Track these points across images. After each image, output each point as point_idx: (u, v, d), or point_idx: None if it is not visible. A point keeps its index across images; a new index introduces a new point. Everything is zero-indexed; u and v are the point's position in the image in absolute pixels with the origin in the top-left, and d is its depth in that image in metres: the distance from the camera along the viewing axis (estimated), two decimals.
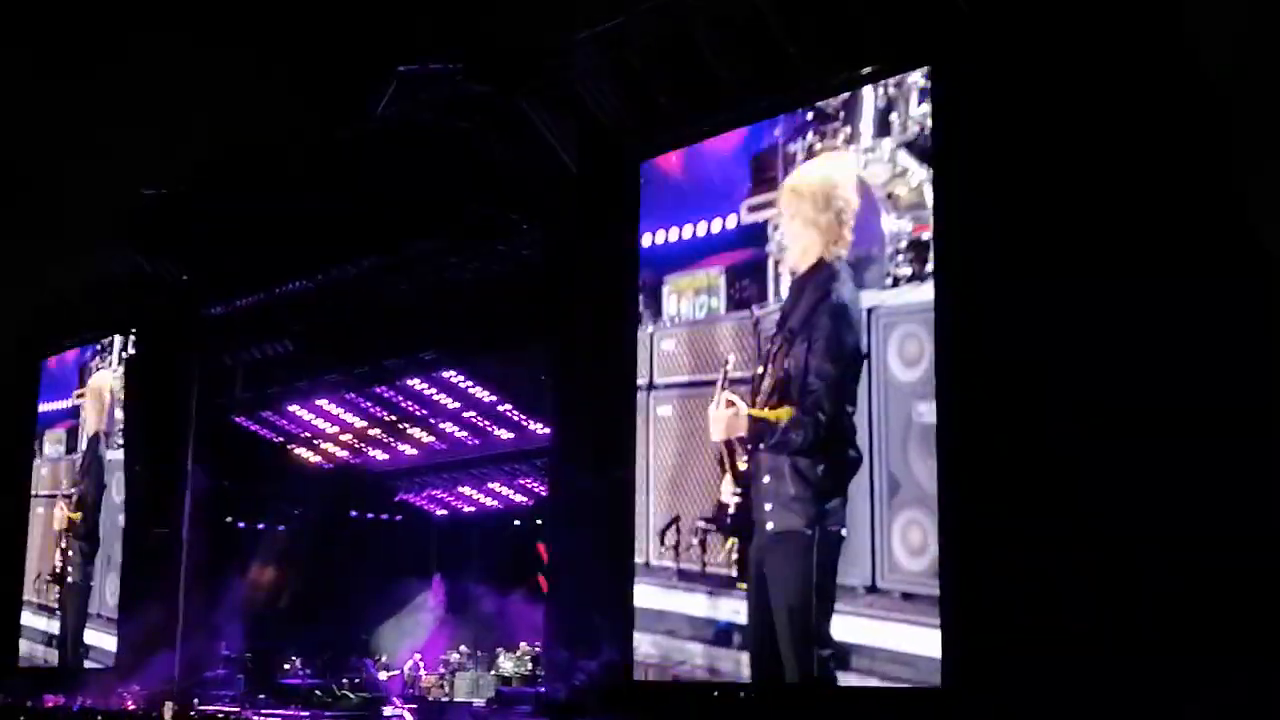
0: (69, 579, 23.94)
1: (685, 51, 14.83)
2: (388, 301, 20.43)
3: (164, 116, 18.32)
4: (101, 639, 22.83)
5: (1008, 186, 12.24)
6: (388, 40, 16.03)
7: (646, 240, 15.46)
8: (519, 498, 25.67)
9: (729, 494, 14.07)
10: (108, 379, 23.88)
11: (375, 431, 24.36)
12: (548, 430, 19.49)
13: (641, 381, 15.30)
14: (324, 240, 19.64)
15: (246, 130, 18.16)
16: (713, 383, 14.32)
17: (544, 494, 23.01)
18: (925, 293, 12.56)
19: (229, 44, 16.70)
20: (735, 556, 13.96)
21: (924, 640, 12.11)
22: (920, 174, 12.79)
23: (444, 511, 27.38)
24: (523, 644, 22.25)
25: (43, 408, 25.63)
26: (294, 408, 23.94)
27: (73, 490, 24.28)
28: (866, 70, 13.58)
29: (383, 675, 22.54)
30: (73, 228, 21.54)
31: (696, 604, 14.34)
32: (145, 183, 20.28)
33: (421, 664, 22.97)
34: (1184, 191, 11.49)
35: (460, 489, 26.30)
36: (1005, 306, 12.09)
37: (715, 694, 14.12)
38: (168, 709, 18.72)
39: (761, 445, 13.69)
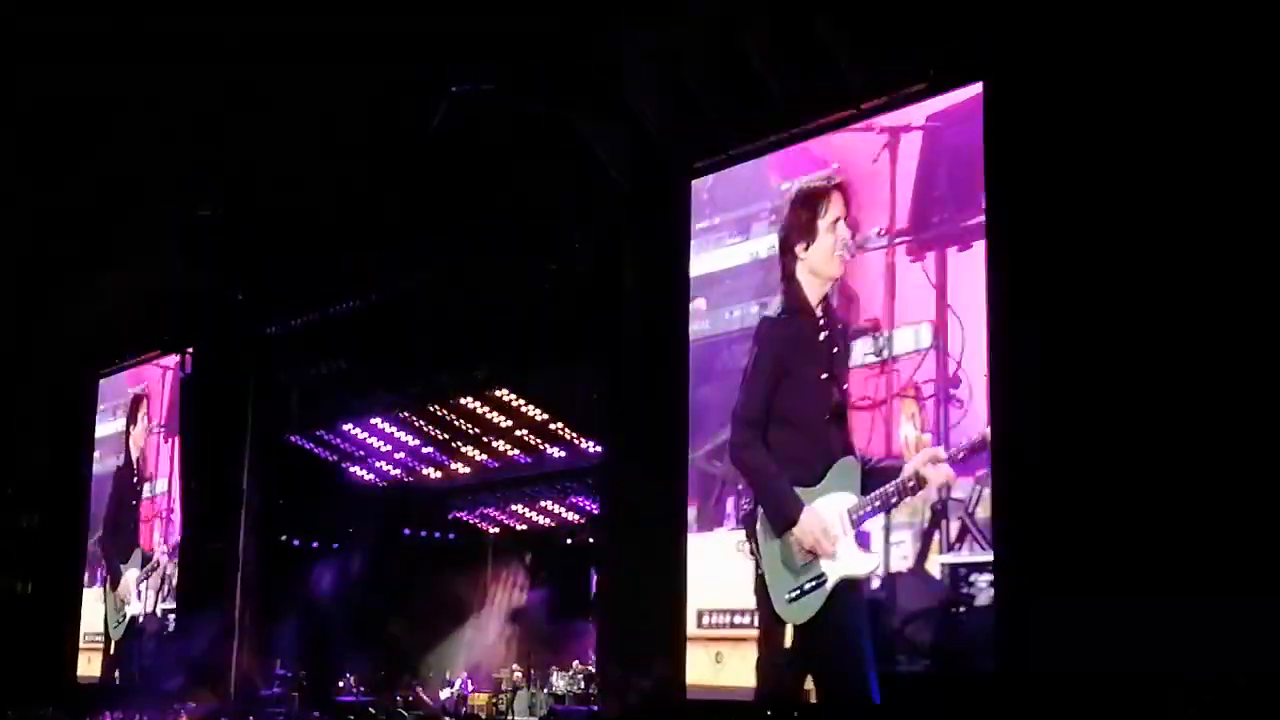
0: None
1: (736, 65, 14.76)
2: (440, 319, 20.44)
3: (219, 136, 18.44)
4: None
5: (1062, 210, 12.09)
6: (439, 57, 16.03)
7: None
8: (571, 516, 25.61)
9: None
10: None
11: (429, 450, 24.37)
12: (600, 448, 19.44)
13: None
14: (377, 259, 19.72)
15: (299, 149, 18.24)
16: None
17: (596, 512, 22.93)
18: None
19: (282, 63, 16.77)
20: None
21: None
22: None
23: (497, 530, 27.35)
24: (575, 662, 22.18)
25: None
26: (348, 426, 23.96)
27: None
28: (920, 86, 13.50)
29: (444, 693, 22.51)
30: (129, 246, 21.71)
31: None
32: (201, 201, 20.42)
33: (470, 683, 22.95)
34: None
35: (513, 507, 26.25)
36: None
37: (769, 714, 13.99)
38: None
39: None
